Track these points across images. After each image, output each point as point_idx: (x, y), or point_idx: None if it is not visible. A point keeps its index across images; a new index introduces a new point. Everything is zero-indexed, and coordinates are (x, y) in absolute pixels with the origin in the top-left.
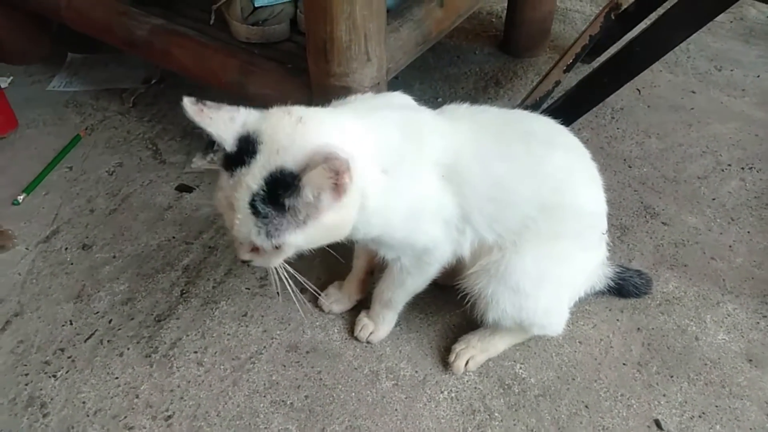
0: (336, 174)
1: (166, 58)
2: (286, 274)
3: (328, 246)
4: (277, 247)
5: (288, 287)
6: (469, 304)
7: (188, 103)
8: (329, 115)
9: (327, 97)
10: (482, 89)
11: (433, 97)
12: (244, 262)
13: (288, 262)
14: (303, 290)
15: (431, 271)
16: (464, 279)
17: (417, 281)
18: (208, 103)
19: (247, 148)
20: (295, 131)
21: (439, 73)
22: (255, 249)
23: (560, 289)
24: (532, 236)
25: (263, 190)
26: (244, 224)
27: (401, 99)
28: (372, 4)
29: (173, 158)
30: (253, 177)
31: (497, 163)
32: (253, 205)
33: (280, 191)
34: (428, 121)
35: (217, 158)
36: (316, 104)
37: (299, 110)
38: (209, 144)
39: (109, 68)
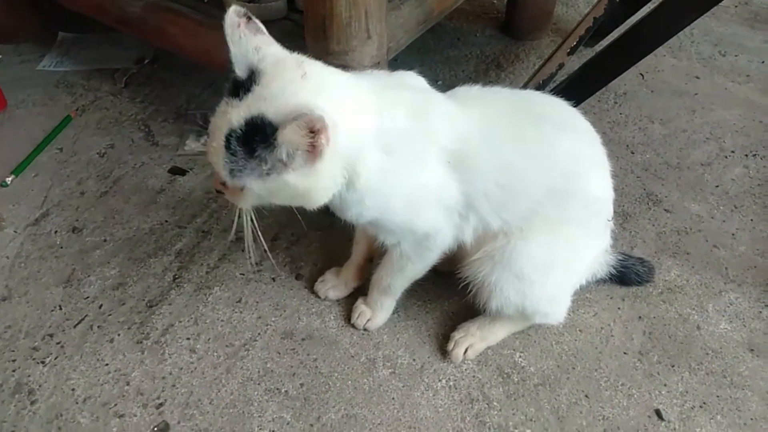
0: (311, 132)
1: (160, 36)
2: (250, 222)
3: (320, 230)
4: (240, 189)
5: (246, 236)
6: (471, 292)
7: (233, 13)
8: (337, 81)
9: None
10: (483, 72)
11: (433, 80)
12: (217, 192)
13: (259, 211)
14: (298, 276)
15: (432, 257)
16: (467, 266)
17: (417, 267)
18: (254, 20)
19: (248, 83)
20: (291, 83)
21: (440, 56)
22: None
23: (565, 276)
24: (539, 222)
25: (241, 130)
26: (215, 154)
27: (415, 80)
28: None
29: (166, 140)
30: (238, 114)
31: (509, 148)
32: (228, 139)
33: (256, 137)
34: (439, 105)
35: None
36: None
37: (310, 66)
38: (203, 126)
39: (101, 48)
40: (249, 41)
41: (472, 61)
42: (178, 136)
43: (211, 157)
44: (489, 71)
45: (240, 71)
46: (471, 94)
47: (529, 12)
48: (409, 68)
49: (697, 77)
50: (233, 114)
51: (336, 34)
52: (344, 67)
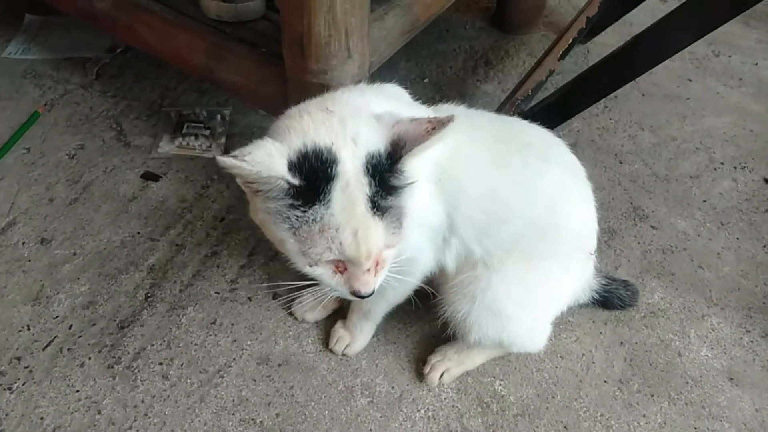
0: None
1: (130, 35)
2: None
3: None
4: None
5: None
6: (450, 326)
7: (223, 157)
8: (347, 96)
9: (304, 94)
10: (471, 69)
11: (419, 77)
12: (362, 297)
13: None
14: (275, 296)
15: (413, 281)
16: (445, 303)
17: (398, 292)
18: (238, 152)
19: (319, 165)
20: (342, 120)
21: (427, 50)
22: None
23: (543, 311)
24: (520, 255)
25: (375, 186)
26: (377, 234)
27: (396, 91)
28: None
29: (139, 140)
30: (359, 182)
31: (494, 175)
32: (375, 207)
33: (387, 175)
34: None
35: (185, 142)
36: (293, 100)
37: (314, 105)
38: (177, 126)
39: (71, 34)
40: (258, 159)
41: (461, 57)
42: (151, 136)
43: (375, 244)
44: (477, 68)
45: (291, 180)
46: (456, 112)
47: (520, 5)
48: (395, 64)
49: (690, 80)
50: (356, 188)
51: (314, 53)
52: (323, 86)
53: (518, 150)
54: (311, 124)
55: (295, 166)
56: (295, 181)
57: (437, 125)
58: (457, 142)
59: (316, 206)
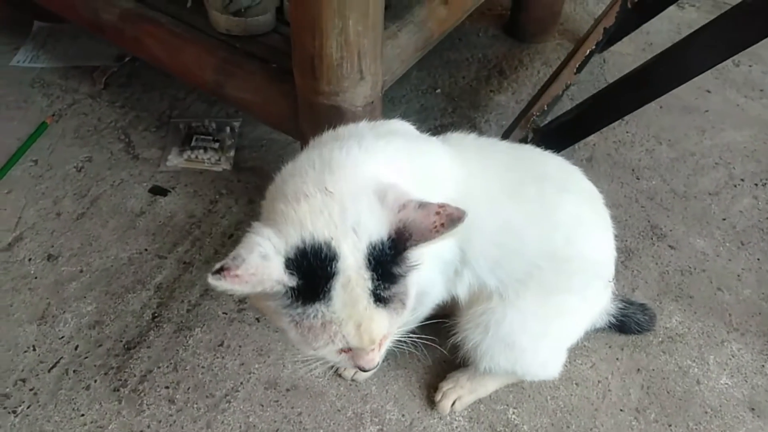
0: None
1: (138, 47)
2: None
3: None
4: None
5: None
6: (461, 353)
7: (214, 280)
8: (344, 159)
9: (315, 115)
10: (485, 79)
11: (431, 88)
12: (367, 371)
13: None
14: None
15: (423, 311)
16: (457, 330)
17: (408, 324)
18: (230, 262)
19: (318, 263)
20: (343, 206)
21: (439, 59)
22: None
23: (559, 342)
24: (535, 286)
25: (377, 279)
26: (380, 324)
27: (402, 126)
28: (368, 18)
29: (147, 153)
30: (361, 276)
31: (508, 207)
32: (378, 300)
33: (389, 266)
34: (438, 151)
35: (194, 155)
36: (303, 121)
37: (311, 182)
38: (186, 138)
39: (79, 42)
40: (255, 265)
41: (474, 66)
42: (159, 148)
43: (378, 332)
44: (491, 78)
45: (288, 281)
46: (466, 142)
47: (535, 13)
48: (406, 74)
49: (709, 91)
50: (359, 285)
51: (326, 74)
52: (334, 107)
53: (534, 181)
54: (308, 215)
55: (293, 264)
56: (292, 283)
57: (447, 222)
58: (468, 174)
59: (316, 304)
